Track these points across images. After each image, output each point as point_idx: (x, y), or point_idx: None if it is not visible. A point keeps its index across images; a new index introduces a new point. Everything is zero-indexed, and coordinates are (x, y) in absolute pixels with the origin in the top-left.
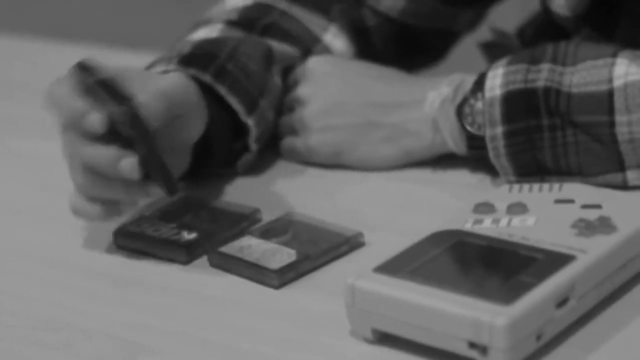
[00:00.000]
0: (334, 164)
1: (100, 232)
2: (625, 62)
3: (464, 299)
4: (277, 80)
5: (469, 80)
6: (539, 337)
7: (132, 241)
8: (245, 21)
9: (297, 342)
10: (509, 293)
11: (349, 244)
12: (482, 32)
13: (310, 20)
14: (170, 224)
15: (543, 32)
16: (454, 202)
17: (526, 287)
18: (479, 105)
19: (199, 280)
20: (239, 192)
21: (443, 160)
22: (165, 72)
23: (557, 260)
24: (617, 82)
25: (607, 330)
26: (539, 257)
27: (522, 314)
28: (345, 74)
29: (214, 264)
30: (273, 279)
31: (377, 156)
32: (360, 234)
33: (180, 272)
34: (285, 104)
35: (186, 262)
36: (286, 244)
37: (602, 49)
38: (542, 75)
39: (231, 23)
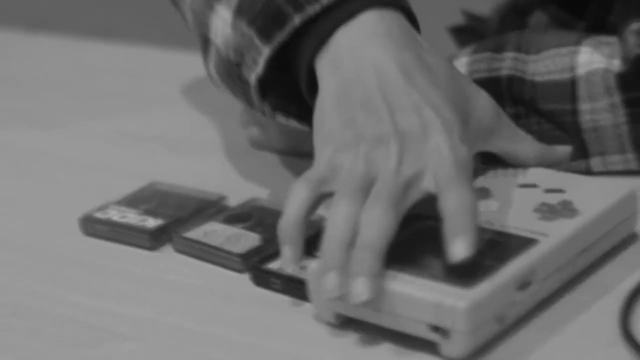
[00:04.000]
0: (294, 153)
1: (67, 219)
2: (589, 50)
3: (425, 282)
4: None
5: None
6: (500, 320)
7: (98, 228)
8: None
9: (263, 326)
10: (471, 276)
11: (313, 228)
12: (455, 17)
13: None
14: (137, 211)
15: (513, 14)
16: None
17: (488, 271)
18: None
19: (165, 266)
20: (206, 179)
21: None
22: None
23: (519, 244)
24: (581, 70)
25: (568, 314)
26: (502, 241)
27: (484, 297)
28: None
29: (178, 249)
30: (237, 263)
31: None
32: (323, 219)
33: (147, 258)
34: None
35: (152, 248)
36: (250, 228)
37: (566, 36)
38: (506, 64)
39: None
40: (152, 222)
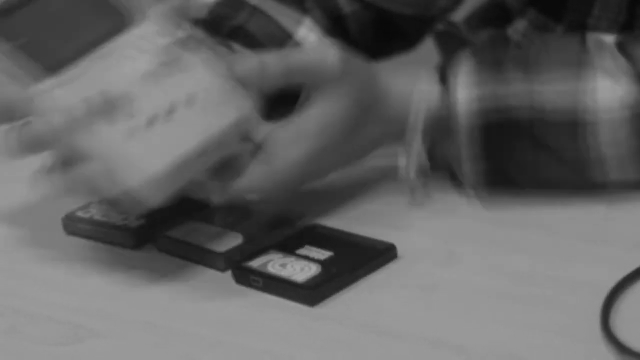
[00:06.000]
0: None
1: (49, 218)
2: (598, 75)
3: None
4: None
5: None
6: None
7: (81, 227)
8: (212, 20)
9: (245, 324)
10: None
11: (294, 227)
12: None
13: (284, 14)
14: None
15: (489, 19)
16: (403, 187)
17: None
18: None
19: (146, 264)
20: None
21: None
22: None
23: None
24: (603, 116)
25: (545, 311)
26: None
27: None
28: None
29: (161, 248)
30: (219, 261)
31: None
32: (305, 217)
33: (128, 257)
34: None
35: (134, 247)
36: (232, 227)
37: (568, 50)
38: (517, 94)
39: (198, 21)
40: (135, 221)
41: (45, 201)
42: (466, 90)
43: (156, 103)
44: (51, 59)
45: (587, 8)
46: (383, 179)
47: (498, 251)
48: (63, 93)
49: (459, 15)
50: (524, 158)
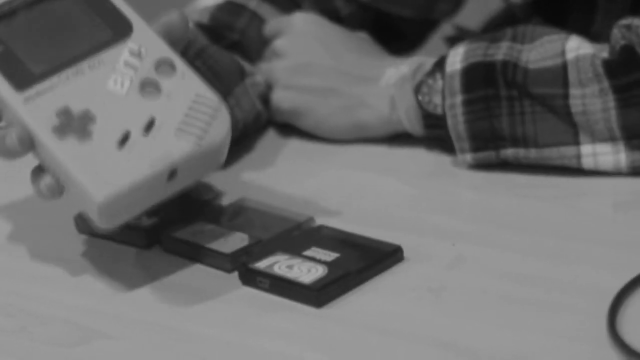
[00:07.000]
0: (290, 123)
1: (58, 217)
2: (578, 38)
3: None
4: (254, 100)
5: (429, 62)
6: None
7: (93, 226)
8: (214, 27)
9: (251, 325)
10: None
11: (300, 229)
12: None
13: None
14: None
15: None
16: (408, 190)
17: None
18: (438, 84)
19: (153, 265)
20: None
21: (399, 153)
22: None
23: None
24: (570, 55)
25: (552, 314)
26: None
27: None
28: (324, 37)
29: (167, 249)
30: (226, 262)
31: (333, 124)
32: (311, 219)
33: (135, 257)
34: (263, 54)
35: (146, 247)
36: (239, 228)
37: (558, 30)
38: (501, 50)
39: (201, 26)
40: (147, 221)
41: (57, 200)
42: (456, 53)
43: (114, 126)
44: (43, 64)
45: (590, 15)
46: (389, 180)
47: (505, 254)
48: (33, 106)
49: (470, 24)
50: (497, 93)
